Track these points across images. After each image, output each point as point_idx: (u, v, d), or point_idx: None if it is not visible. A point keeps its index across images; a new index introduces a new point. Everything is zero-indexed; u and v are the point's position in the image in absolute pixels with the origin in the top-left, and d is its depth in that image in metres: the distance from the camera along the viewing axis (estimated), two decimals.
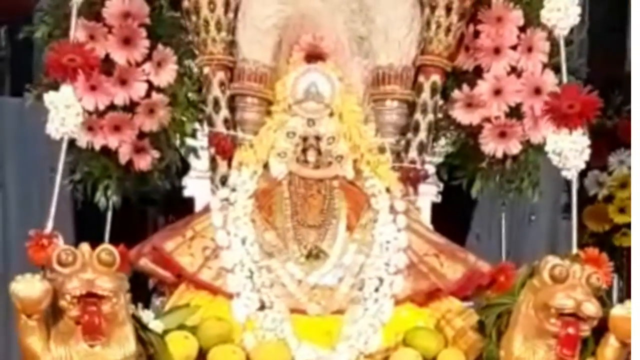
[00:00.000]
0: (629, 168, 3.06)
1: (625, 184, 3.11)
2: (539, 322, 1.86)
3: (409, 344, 2.04)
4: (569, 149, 2.08)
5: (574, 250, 2.04)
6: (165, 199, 2.49)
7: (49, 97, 2.02)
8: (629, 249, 3.05)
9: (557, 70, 2.28)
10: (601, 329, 1.87)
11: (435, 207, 2.46)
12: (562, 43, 2.17)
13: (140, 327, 1.92)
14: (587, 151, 2.10)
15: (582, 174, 3.12)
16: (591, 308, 1.82)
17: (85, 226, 2.13)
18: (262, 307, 2.08)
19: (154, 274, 2.17)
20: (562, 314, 1.84)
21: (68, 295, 1.78)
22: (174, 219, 2.34)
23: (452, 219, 2.70)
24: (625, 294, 3.05)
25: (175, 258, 2.13)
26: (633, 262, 2.17)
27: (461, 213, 2.87)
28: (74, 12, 2.10)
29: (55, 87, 2.12)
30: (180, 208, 2.40)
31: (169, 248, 2.13)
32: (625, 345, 1.85)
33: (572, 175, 2.10)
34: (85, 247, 1.84)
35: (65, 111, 2.01)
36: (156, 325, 1.94)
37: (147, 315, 1.95)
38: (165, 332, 1.97)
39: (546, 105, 2.14)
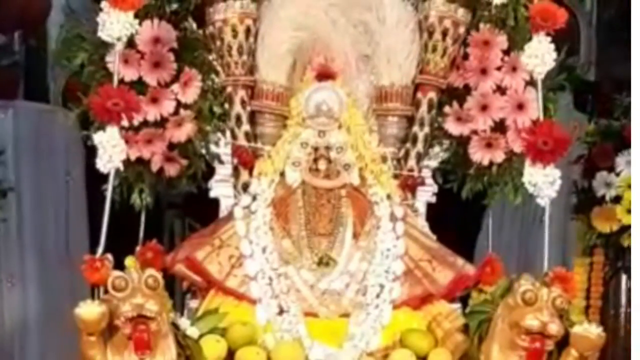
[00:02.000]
0: None
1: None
2: (512, 336, 2.23)
3: (404, 344, 2.39)
4: (542, 182, 2.40)
5: (545, 268, 2.39)
6: (193, 200, 2.80)
7: (98, 137, 2.32)
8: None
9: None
10: (564, 343, 2.24)
11: (445, 209, 2.71)
12: (539, 86, 2.46)
13: (178, 332, 2.28)
14: (559, 182, 2.40)
15: (591, 175, 3.34)
16: (554, 328, 2.19)
17: (119, 225, 2.42)
18: (281, 311, 2.42)
19: (188, 279, 2.52)
20: (530, 332, 2.21)
21: (122, 317, 2.15)
22: (202, 223, 2.67)
23: (463, 220, 3.01)
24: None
25: (205, 266, 2.47)
26: (633, 262, 2.48)
27: (471, 214, 3.07)
28: (117, 58, 2.37)
29: None
30: (206, 208, 2.74)
31: (200, 257, 2.48)
32: (584, 358, 2.23)
33: (545, 202, 2.42)
34: (134, 274, 2.19)
35: (112, 150, 2.32)
36: (192, 332, 2.31)
37: (184, 323, 2.32)
38: (200, 336, 2.33)
39: (523, 141, 2.45)
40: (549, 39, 2.41)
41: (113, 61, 2.45)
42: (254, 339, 2.37)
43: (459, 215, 2.79)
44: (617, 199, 3.30)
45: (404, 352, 2.37)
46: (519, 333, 2.20)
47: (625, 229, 3.25)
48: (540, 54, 2.40)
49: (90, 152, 2.48)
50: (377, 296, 2.46)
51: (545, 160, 2.38)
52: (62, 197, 3.21)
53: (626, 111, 3.29)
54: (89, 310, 2.12)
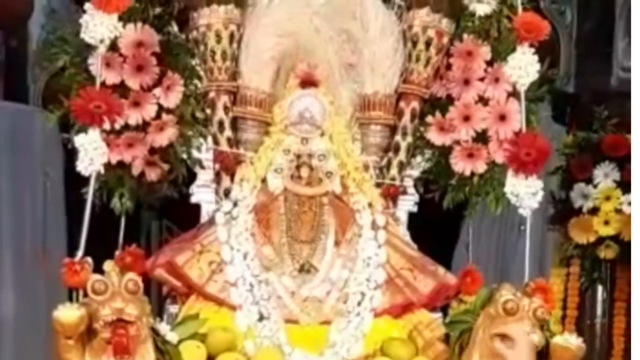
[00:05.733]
0: (614, 181, 3.27)
1: (609, 196, 3.29)
2: (492, 346, 2.22)
3: (385, 352, 2.39)
4: (524, 192, 2.41)
5: (526, 279, 2.39)
6: (174, 205, 2.79)
7: (79, 140, 2.31)
8: (613, 261, 3.29)
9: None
10: (544, 354, 2.24)
11: (424, 218, 2.73)
12: (522, 97, 2.47)
13: (157, 337, 2.26)
14: (541, 193, 2.42)
15: (568, 187, 3.40)
16: (536, 339, 2.19)
17: (96, 229, 2.40)
18: (261, 317, 2.41)
19: (168, 284, 2.50)
20: None
21: (101, 321, 2.13)
22: (182, 228, 2.66)
23: (442, 229, 3.02)
24: (610, 304, 3.32)
25: (185, 271, 2.46)
26: (633, 263, 2.49)
27: (450, 223, 3.09)
28: (99, 60, 2.36)
29: None
30: (187, 213, 2.73)
31: (180, 262, 2.47)
32: None
33: (526, 213, 2.43)
34: (114, 277, 2.17)
35: (93, 152, 2.30)
36: (172, 337, 2.29)
37: (163, 328, 2.30)
38: (179, 341, 2.32)
39: (506, 152, 2.46)
40: (532, 50, 2.42)
41: (95, 64, 2.44)
42: (234, 345, 2.36)
43: (437, 225, 2.78)
44: (594, 211, 3.34)
45: None
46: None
47: (602, 240, 3.30)
48: (523, 65, 2.41)
49: (70, 154, 2.47)
50: (359, 304, 2.46)
51: (528, 171, 2.39)
52: (39, 199, 3.19)
53: (603, 124, 3.34)
54: (68, 313, 2.10)
